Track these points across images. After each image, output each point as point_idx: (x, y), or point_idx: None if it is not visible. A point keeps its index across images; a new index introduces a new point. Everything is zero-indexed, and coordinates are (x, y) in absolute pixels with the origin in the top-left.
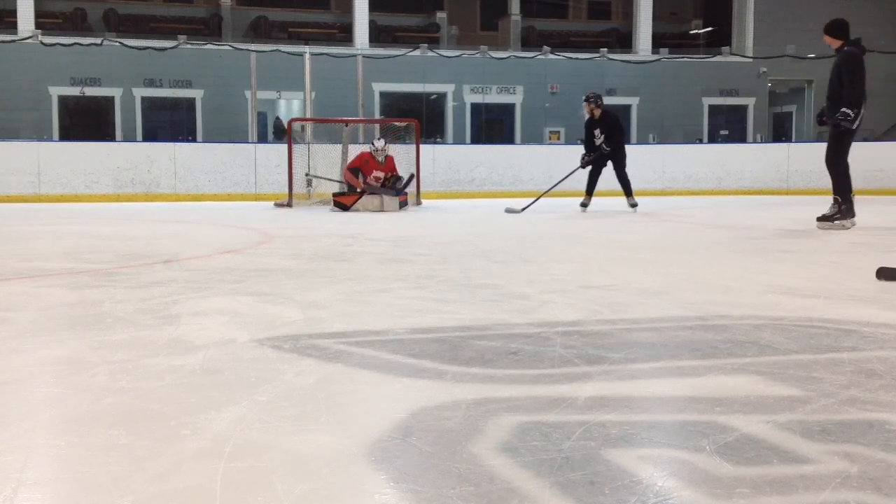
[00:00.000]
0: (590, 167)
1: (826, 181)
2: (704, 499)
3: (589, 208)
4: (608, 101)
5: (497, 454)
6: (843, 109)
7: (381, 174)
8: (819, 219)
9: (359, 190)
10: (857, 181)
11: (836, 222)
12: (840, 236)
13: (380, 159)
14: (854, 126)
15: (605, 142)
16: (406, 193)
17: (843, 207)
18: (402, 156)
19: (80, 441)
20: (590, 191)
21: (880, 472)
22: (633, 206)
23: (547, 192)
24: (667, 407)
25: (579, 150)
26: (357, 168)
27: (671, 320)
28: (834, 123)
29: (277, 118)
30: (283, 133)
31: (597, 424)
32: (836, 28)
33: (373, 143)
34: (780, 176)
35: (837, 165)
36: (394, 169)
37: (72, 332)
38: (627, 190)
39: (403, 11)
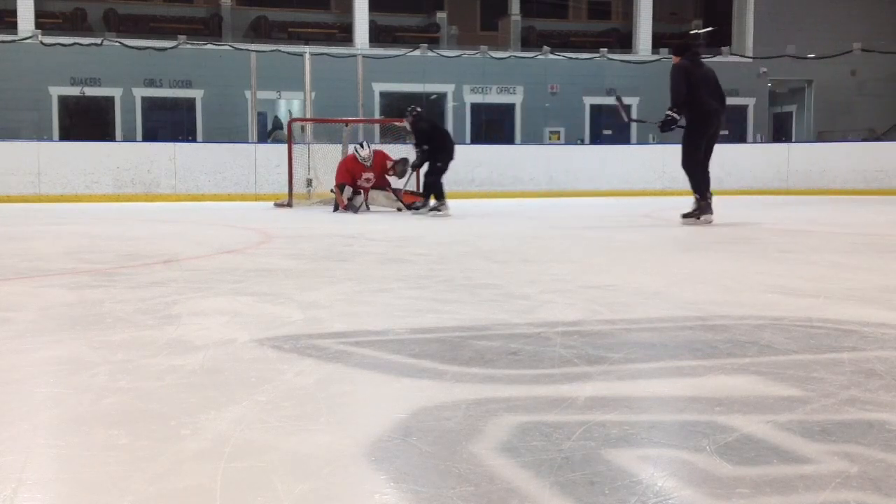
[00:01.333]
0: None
1: (826, 181)
2: (704, 499)
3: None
4: (609, 100)
5: (497, 454)
6: (666, 111)
7: (370, 175)
8: (682, 216)
9: (342, 208)
10: (857, 182)
11: (700, 218)
12: (840, 237)
13: (367, 164)
14: (680, 125)
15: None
16: (423, 195)
17: (701, 204)
18: (402, 156)
19: (80, 441)
20: (439, 195)
21: (880, 472)
22: (428, 208)
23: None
24: (667, 407)
25: (579, 150)
26: (344, 183)
27: (671, 320)
28: (658, 125)
29: (276, 118)
30: (276, 135)
31: (597, 424)
32: (676, 48)
33: (357, 153)
34: (780, 176)
35: (691, 167)
36: (383, 164)
37: (72, 332)
38: (431, 193)
39: (403, 11)
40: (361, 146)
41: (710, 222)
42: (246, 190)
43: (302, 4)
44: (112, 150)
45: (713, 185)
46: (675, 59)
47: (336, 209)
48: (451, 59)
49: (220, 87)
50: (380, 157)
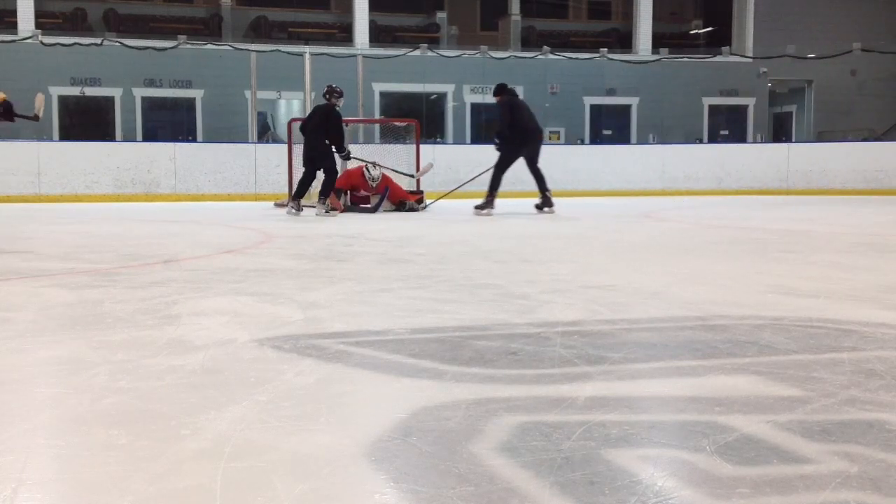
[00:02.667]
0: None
1: (826, 181)
2: (704, 499)
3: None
4: (609, 100)
5: (497, 454)
6: (495, 139)
7: (367, 195)
8: (475, 207)
9: (338, 211)
10: (857, 182)
11: (484, 210)
12: (840, 237)
13: (372, 185)
14: (507, 148)
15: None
16: (422, 192)
17: (489, 199)
18: (402, 156)
19: (80, 441)
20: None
21: (880, 472)
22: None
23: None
24: (667, 407)
25: (579, 150)
26: (341, 189)
27: (671, 320)
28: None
29: (265, 122)
30: (270, 135)
31: (597, 424)
32: (496, 90)
33: (368, 171)
34: (780, 176)
35: (497, 171)
36: (385, 188)
37: (72, 332)
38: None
39: (403, 11)
40: (374, 166)
41: (490, 215)
42: (246, 190)
43: (302, 4)
44: (112, 150)
45: (712, 185)
46: (498, 100)
47: (328, 211)
48: (451, 59)
49: (220, 87)
50: (385, 181)
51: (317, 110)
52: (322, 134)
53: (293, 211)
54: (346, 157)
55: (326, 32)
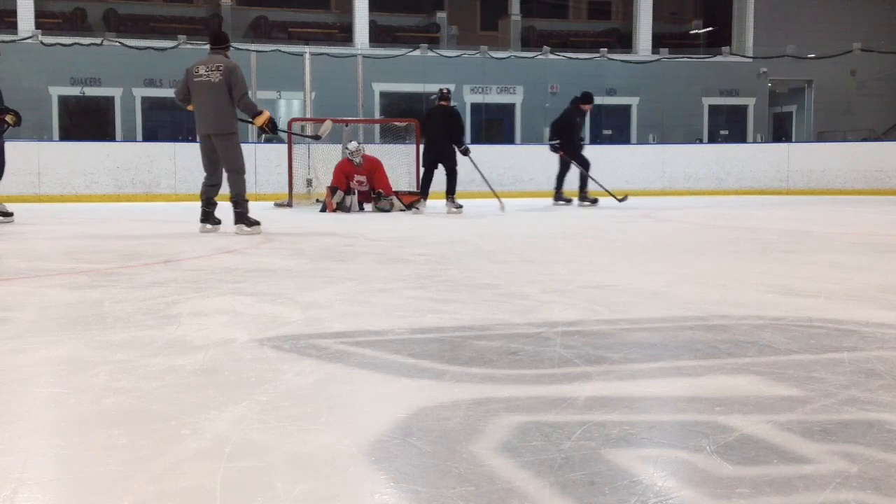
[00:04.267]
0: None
1: (826, 181)
2: (704, 499)
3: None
4: (609, 101)
5: (497, 454)
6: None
7: (362, 178)
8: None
9: (329, 211)
10: (857, 182)
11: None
12: (840, 237)
13: (356, 161)
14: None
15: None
16: (420, 194)
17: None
18: (402, 156)
19: (80, 441)
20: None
21: (880, 472)
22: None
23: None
24: (667, 407)
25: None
26: (336, 187)
27: (671, 320)
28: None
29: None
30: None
31: (597, 424)
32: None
33: (346, 147)
34: (780, 176)
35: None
36: (376, 171)
37: (72, 332)
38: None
39: (403, 11)
40: (350, 142)
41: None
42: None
43: (302, 4)
44: (112, 150)
45: (712, 185)
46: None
47: (324, 210)
48: (451, 59)
49: None
50: (373, 163)
51: (435, 113)
52: (447, 135)
53: (419, 209)
54: (465, 152)
55: (326, 32)
